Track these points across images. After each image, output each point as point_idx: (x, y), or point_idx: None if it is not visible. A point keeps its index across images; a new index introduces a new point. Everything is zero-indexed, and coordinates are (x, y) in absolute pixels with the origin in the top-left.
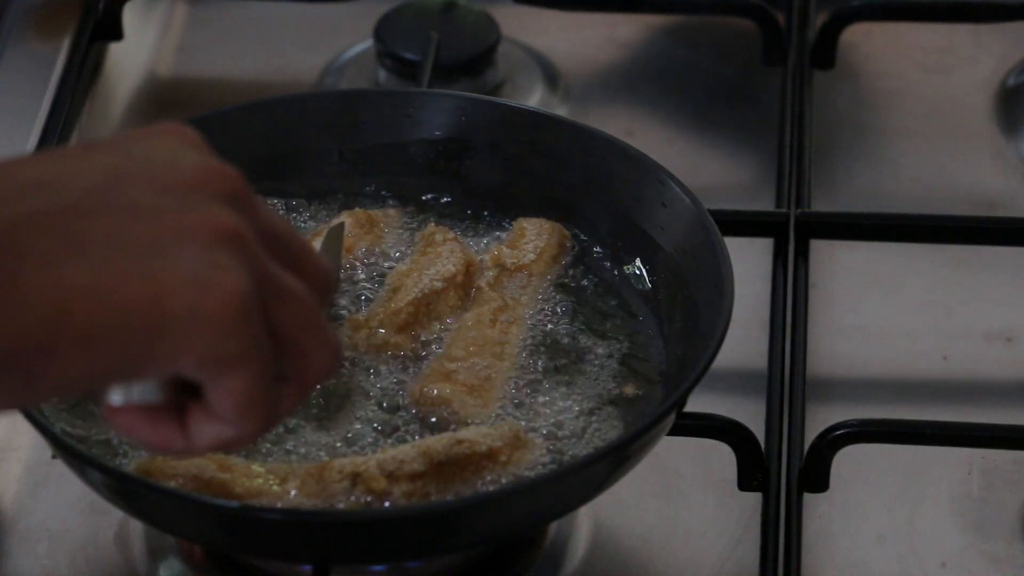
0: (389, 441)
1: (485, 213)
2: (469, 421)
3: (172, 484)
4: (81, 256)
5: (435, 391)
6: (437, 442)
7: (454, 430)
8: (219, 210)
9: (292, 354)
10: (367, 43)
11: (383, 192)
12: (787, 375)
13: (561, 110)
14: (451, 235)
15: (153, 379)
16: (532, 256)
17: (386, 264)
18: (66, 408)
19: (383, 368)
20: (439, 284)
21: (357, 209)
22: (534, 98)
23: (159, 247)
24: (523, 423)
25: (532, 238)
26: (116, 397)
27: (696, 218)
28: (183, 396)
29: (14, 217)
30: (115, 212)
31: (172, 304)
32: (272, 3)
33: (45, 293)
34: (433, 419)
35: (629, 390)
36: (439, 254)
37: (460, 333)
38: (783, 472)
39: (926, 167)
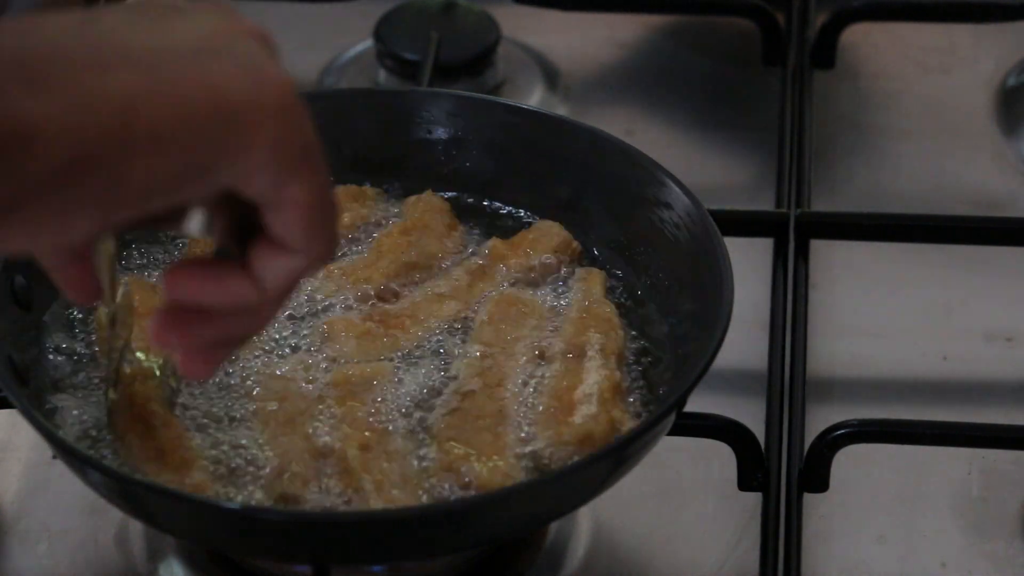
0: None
1: (485, 212)
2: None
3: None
4: (129, 64)
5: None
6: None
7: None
8: (246, 19)
9: None
10: (367, 43)
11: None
12: (787, 375)
13: (561, 110)
14: (436, 202)
15: (218, 192)
16: (530, 255)
17: (373, 235)
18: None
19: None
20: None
21: (350, 184)
22: (534, 98)
23: (202, 48)
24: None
25: (533, 238)
26: (194, 225)
27: (696, 218)
28: (242, 245)
29: (55, 35)
30: (151, 22)
31: (231, 96)
32: (272, 3)
33: (109, 95)
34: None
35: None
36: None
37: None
38: (783, 472)
39: (926, 167)
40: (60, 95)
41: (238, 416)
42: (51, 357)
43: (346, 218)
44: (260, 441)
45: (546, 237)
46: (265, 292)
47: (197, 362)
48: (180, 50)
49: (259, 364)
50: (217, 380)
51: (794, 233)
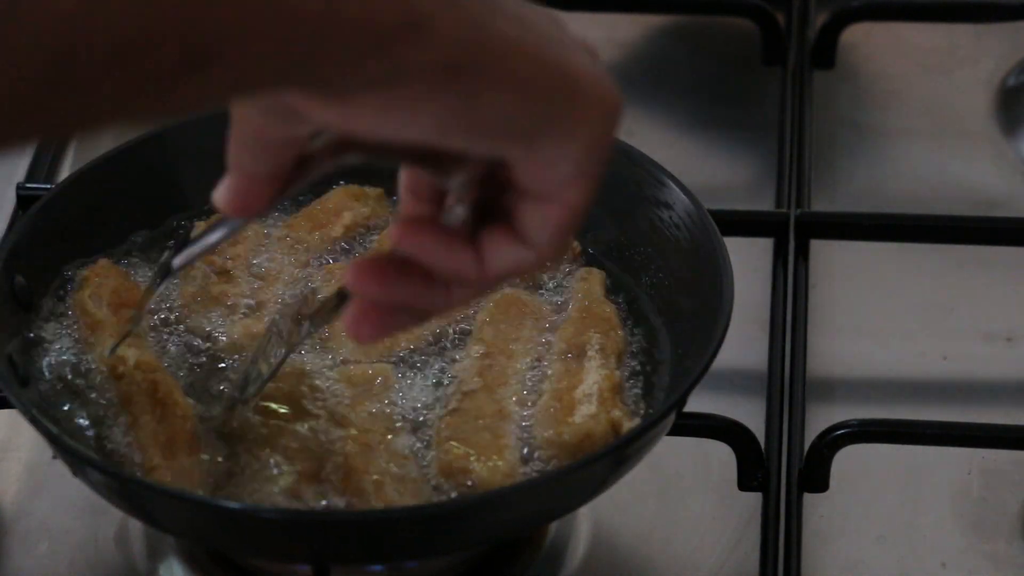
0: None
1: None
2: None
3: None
4: (506, 16)
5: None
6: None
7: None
8: None
9: None
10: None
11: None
12: (787, 375)
13: None
14: None
15: (501, 166)
16: None
17: (374, 236)
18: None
19: None
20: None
21: (352, 185)
22: None
23: (556, 37)
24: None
25: None
26: (455, 183)
27: (696, 218)
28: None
29: None
30: (515, 4)
31: (579, 81)
32: None
33: (491, 27)
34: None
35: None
36: None
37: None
38: (783, 472)
39: (926, 167)
40: (457, 9)
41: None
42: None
43: (347, 218)
44: (258, 439)
45: None
46: (483, 273)
47: (370, 321)
48: (541, 30)
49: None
50: (212, 375)
51: (794, 233)
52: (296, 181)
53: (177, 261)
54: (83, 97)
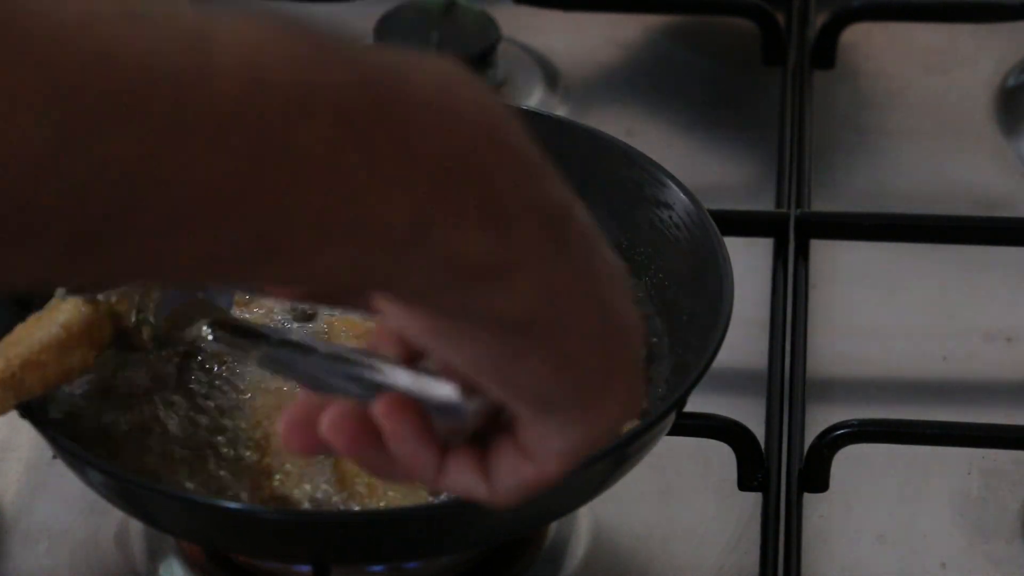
0: None
1: None
2: None
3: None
4: (596, 282)
5: None
6: None
7: None
8: None
9: None
10: (367, 43)
11: None
12: (787, 375)
13: (561, 110)
14: None
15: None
16: None
17: None
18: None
19: None
20: None
21: None
22: (534, 98)
23: (627, 320)
24: None
25: None
26: (470, 407)
27: (696, 218)
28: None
29: None
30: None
31: (617, 380)
32: (272, 3)
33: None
34: None
35: None
36: None
37: None
38: (783, 472)
39: (926, 167)
40: (554, 261)
41: (230, 414)
42: None
43: None
44: (253, 439)
45: None
46: (438, 480)
47: (305, 441)
48: (620, 315)
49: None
50: (208, 379)
51: (794, 233)
52: None
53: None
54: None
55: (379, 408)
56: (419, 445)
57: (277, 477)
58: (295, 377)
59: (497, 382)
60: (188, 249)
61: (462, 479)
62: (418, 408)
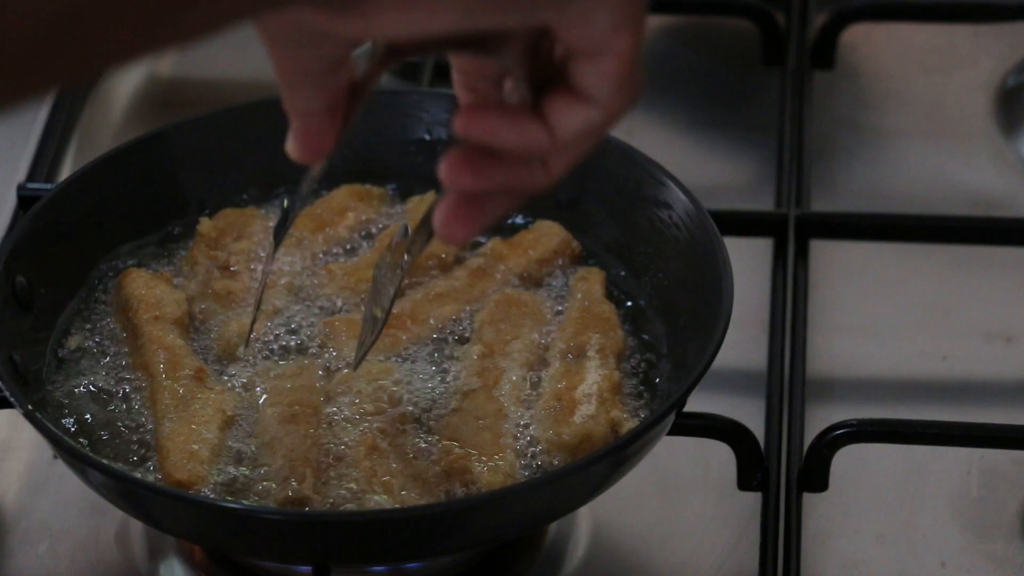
0: None
1: None
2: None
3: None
4: None
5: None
6: None
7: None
8: None
9: None
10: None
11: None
12: (787, 375)
13: None
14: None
15: (545, 27)
16: (530, 255)
17: (376, 228)
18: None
19: None
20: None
21: (356, 184)
22: None
23: None
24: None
25: (533, 238)
26: (507, 60)
27: (696, 218)
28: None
29: None
30: None
31: None
32: None
33: None
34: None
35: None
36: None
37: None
38: (783, 472)
39: (926, 167)
40: None
41: (240, 417)
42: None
43: (349, 218)
44: (263, 443)
45: (546, 237)
46: (555, 140)
47: (463, 217)
48: None
49: (260, 365)
50: (220, 379)
51: (794, 233)
52: (354, 107)
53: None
54: (96, 35)
55: (458, 127)
56: (511, 122)
57: (291, 481)
58: None
59: (495, 9)
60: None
61: (570, 116)
62: (482, 104)
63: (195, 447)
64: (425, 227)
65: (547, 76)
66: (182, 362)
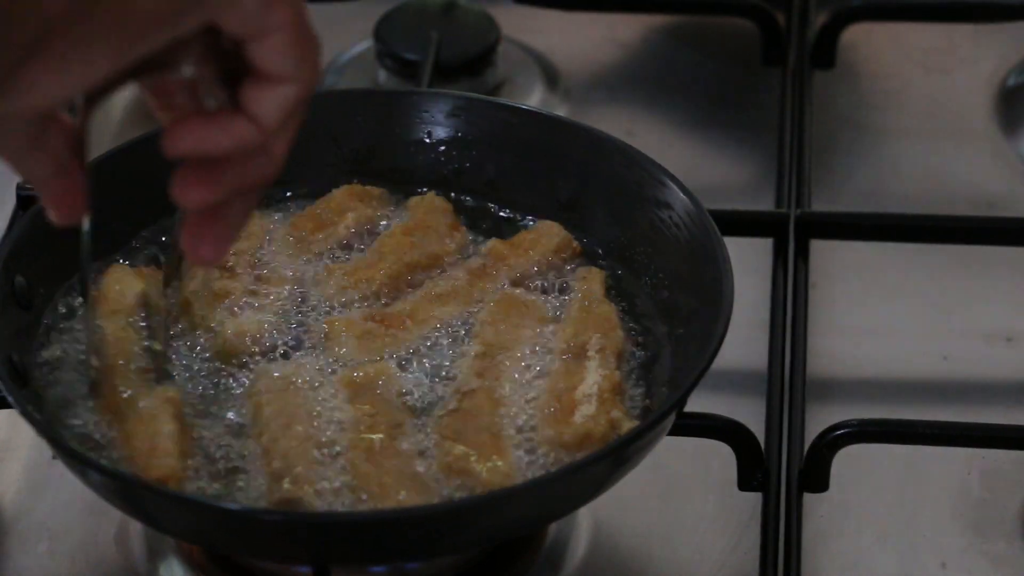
0: None
1: (485, 212)
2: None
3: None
4: None
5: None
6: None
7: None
8: None
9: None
10: (367, 43)
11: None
12: (787, 375)
13: (561, 110)
14: (439, 203)
15: (206, 23)
16: (530, 255)
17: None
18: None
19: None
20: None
21: (355, 184)
22: (534, 98)
23: None
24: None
25: (533, 238)
26: (187, 69)
27: (696, 218)
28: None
29: None
30: None
31: None
32: None
33: None
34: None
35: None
36: (429, 225)
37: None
38: (783, 472)
39: (926, 167)
40: None
41: (237, 418)
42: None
43: (349, 218)
44: (261, 443)
45: (546, 237)
46: (264, 127)
47: (208, 236)
48: None
49: (259, 365)
50: (216, 381)
51: (794, 233)
52: (83, 154)
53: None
54: None
55: (168, 145)
56: (216, 126)
57: (287, 481)
58: None
59: (137, 39)
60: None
61: (267, 101)
62: (183, 117)
63: (158, 442)
64: (175, 251)
65: (235, 71)
66: (129, 355)
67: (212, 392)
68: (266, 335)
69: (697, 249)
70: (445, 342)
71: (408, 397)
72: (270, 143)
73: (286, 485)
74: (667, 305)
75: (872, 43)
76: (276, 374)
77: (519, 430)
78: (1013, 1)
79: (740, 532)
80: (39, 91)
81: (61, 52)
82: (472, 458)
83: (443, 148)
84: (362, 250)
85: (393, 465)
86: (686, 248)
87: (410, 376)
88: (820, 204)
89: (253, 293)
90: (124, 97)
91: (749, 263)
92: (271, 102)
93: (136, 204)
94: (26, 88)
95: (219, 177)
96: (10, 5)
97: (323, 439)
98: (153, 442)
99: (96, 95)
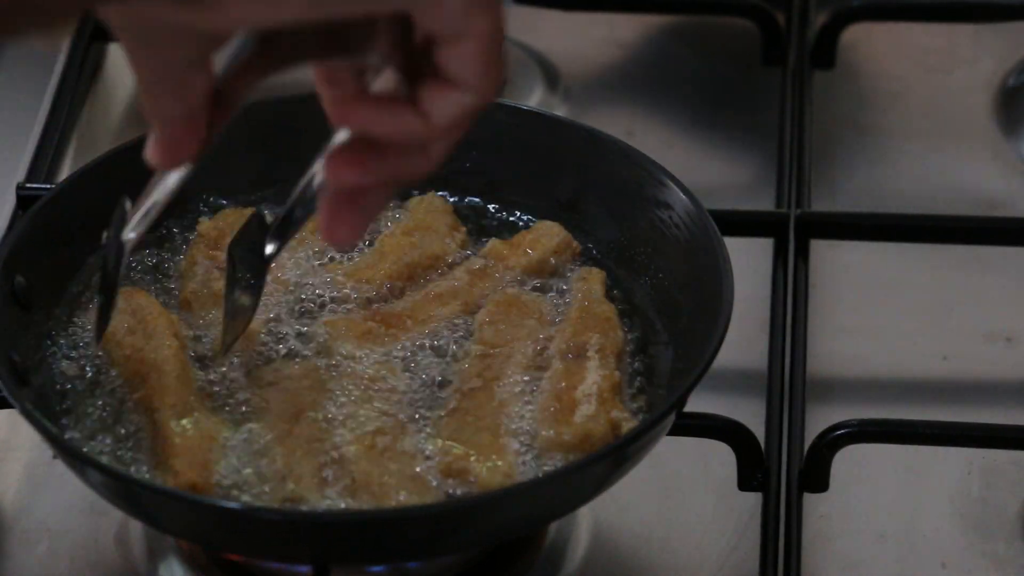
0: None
1: (485, 212)
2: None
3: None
4: None
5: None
6: None
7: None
8: None
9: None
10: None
11: None
12: (787, 375)
13: (561, 110)
14: (439, 203)
15: (404, 14)
16: (530, 255)
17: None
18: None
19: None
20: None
21: None
22: (534, 98)
23: None
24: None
25: (533, 238)
26: (374, 57)
27: (696, 218)
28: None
29: None
30: None
31: None
32: None
33: None
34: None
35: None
36: (429, 225)
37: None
38: (783, 472)
39: (926, 167)
40: None
41: (239, 418)
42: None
43: None
44: (263, 442)
45: (546, 237)
46: (432, 126)
47: (344, 222)
48: None
49: (261, 365)
50: (220, 379)
51: (794, 233)
52: (218, 117)
53: (131, 235)
54: None
55: (335, 118)
56: (386, 111)
57: (289, 481)
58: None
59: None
60: None
61: (443, 102)
62: (355, 95)
63: (210, 453)
64: (305, 207)
65: (418, 65)
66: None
67: (215, 393)
68: (267, 335)
69: (697, 249)
70: (445, 342)
71: (408, 397)
72: (432, 142)
73: (289, 485)
74: (667, 305)
75: (872, 43)
76: (275, 374)
77: (519, 430)
78: (1013, 1)
79: (740, 532)
80: (230, 11)
81: None
82: (472, 458)
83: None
84: (362, 250)
85: (393, 465)
86: (686, 248)
87: (410, 376)
88: (820, 204)
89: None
90: (124, 97)
91: (749, 263)
92: (447, 105)
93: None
94: (219, 4)
95: (375, 162)
96: None
97: (323, 439)
98: (205, 451)
99: (270, 63)
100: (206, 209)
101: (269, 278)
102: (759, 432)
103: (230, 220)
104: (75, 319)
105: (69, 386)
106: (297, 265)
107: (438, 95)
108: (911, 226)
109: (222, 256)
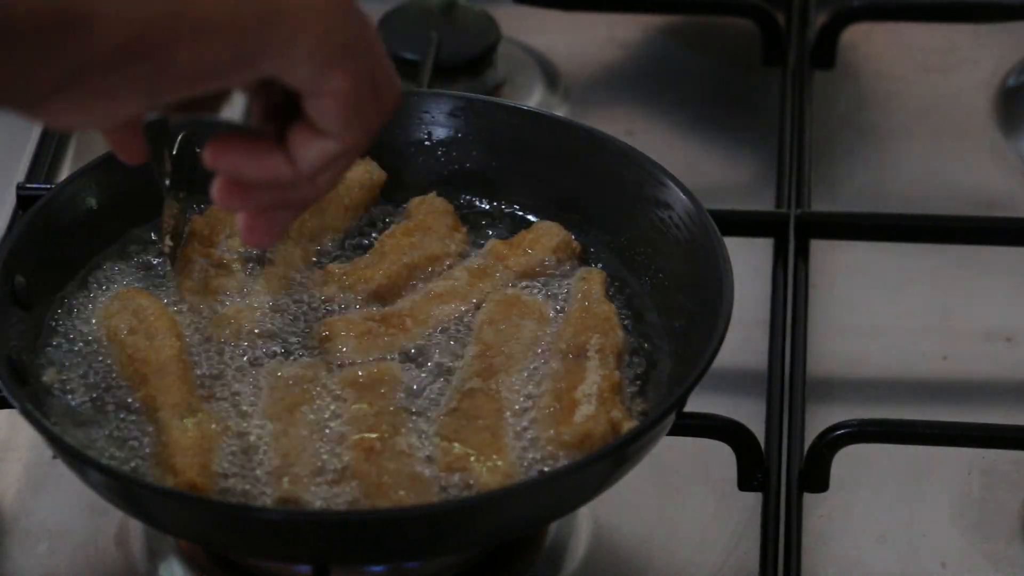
0: None
1: (485, 212)
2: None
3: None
4: None
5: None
6: None
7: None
8: None
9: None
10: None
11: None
12: (787, 375)
13: (561, 110)
14: (440, 204)
15: (260, 79)
16: (530, 255)
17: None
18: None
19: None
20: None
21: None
22: (534, 98)
23: None
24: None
25: (533, 238)
26: (235, 111)
27: (696, 218)
28: (281, 125)
29: None
30: None
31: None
32: None
33: None
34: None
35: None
36: (429, 227)
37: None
38: (783, 472)
39: (926, 167)
40: None
41: (240, 417)
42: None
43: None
44: (263, 442)
45: (546, 237)
46: (299, 172)
47: (258, 229)
48: None
49: (260, 364)
50: (217, 379)
51: (794, 233)
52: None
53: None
54: None
55: (208, 160)
56: (253, 157)
57: (286, 480)
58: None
59: (183, 86)
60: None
61: (309, 149)
62: (228, 136)
63: (210, 453)
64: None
65: (290, 108)
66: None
67: (215, 393)
68: (266, 334)
69: (697, 249)
70: (445, 342)
71: (408, 397)
72: (310, 178)
73: (286, 484)
74: (667, 305)
75: (872, 43)
76: (275, 374)
77: (519, 430)
78: (1013, 1)
79: (740, 532)
80: (63, 120)
81: (91, 91)
82: (472, 458)
83: (443, 148)
84: (362, 251)
85: (393, 465)
86: (686, 248)
87: (410, 376)
88: (820, 204)
89: (249, 290)
90: None
91: (749, 263)
92: (312, 152)
93: (131, 202)
94: (51, 117)
95: (255, 195)
96: (56, 38)
97: (323, 438)
98: (205, 452)
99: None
100: (202, 206)
101: (269, 278)
102: (759, 432)
103: (221, 216)
104: (75, 319)
105: (69, 386)
106: (296, 265)
107: (303, 142)
108: (911, 226)
109: (216, 253)
